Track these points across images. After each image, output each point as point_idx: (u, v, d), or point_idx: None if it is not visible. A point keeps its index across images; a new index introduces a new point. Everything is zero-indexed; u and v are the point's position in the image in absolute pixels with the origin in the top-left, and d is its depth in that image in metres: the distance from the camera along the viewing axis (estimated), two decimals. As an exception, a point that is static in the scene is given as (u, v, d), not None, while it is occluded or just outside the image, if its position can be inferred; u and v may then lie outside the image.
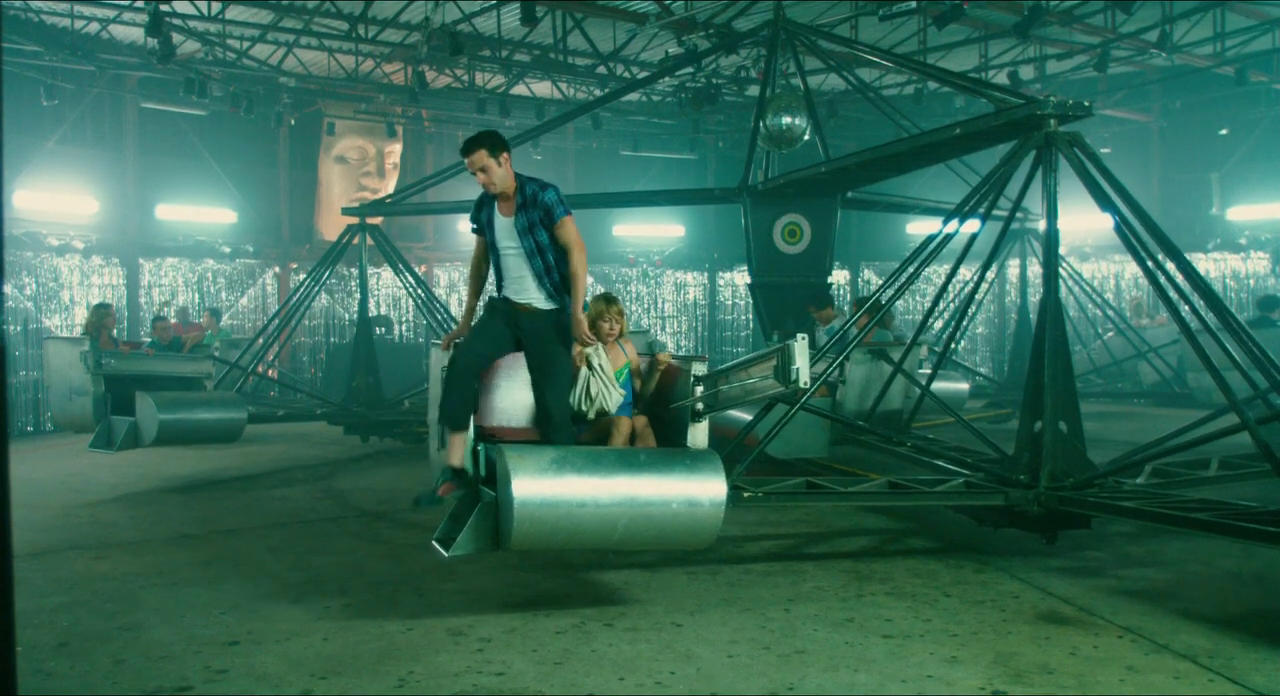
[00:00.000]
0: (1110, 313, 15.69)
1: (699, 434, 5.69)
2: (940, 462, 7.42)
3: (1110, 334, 16.18)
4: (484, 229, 5.71)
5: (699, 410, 5.63)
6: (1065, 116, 6.81)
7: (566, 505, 4.95)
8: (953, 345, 10.94)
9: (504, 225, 5.58)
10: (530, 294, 5.56)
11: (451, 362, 5.52)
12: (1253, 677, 4.41)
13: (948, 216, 7.64)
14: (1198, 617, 5.30)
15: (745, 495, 6.22)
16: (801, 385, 4.67)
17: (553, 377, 5.54)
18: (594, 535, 5.13)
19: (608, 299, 5.98)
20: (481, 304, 5.94)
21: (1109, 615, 5.35)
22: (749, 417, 6.90)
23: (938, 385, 9.79)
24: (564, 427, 5.54)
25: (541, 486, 4.92)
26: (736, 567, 6.43)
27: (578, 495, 4.97)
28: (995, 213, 7.72)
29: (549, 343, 5.56)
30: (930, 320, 10.56)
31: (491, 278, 5.80)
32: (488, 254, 5.74)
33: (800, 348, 4.57)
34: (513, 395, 6.12)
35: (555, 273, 5.54)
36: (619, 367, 5.89)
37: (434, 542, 5.32)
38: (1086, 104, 6.89)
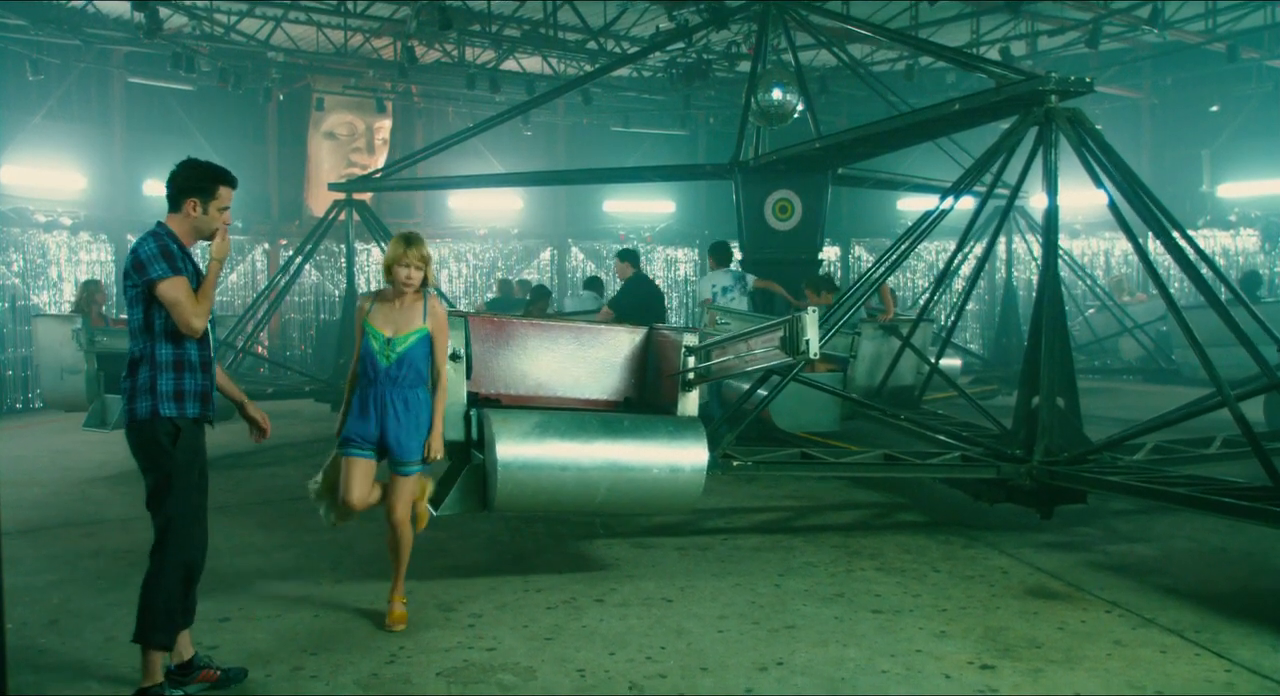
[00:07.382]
0: (1099, 289, 15.70)
1: (689, 403, 5.72)
2: (941, 437, 7.44)
3: (1092, 310, 16.22)
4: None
5: (689, 380, 5.66)
6: (1066, 92, 6.76)
7: (549, 468, 5.11)
8: (950, 322, 10.92)
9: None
10: None
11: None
12: (1239, 651, 4.45)
13: (945, 193, 7.61)
14: (1185, 593, 5.34)
15: (735, 463, 6.24)
16: (812, 356, 4.71)
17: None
18: (576, 498, 5.28)
19: (407, 239, 4.85)
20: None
21: (1097, 590, 5.39)
22: (762, 392, 6.90)
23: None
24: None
25: (525, 450, 5.08)
26: (727, 543, 6.45)
27: (560, 459, 5.13)
28: (987, 190, 7.68)
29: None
30: (933, 300, 10.51)
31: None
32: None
33: (811, 319, 4.61)
34: (508, 362, 6.15)
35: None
36: (410, 331, 4.82)
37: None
38: (1088, 80, 6.84)
